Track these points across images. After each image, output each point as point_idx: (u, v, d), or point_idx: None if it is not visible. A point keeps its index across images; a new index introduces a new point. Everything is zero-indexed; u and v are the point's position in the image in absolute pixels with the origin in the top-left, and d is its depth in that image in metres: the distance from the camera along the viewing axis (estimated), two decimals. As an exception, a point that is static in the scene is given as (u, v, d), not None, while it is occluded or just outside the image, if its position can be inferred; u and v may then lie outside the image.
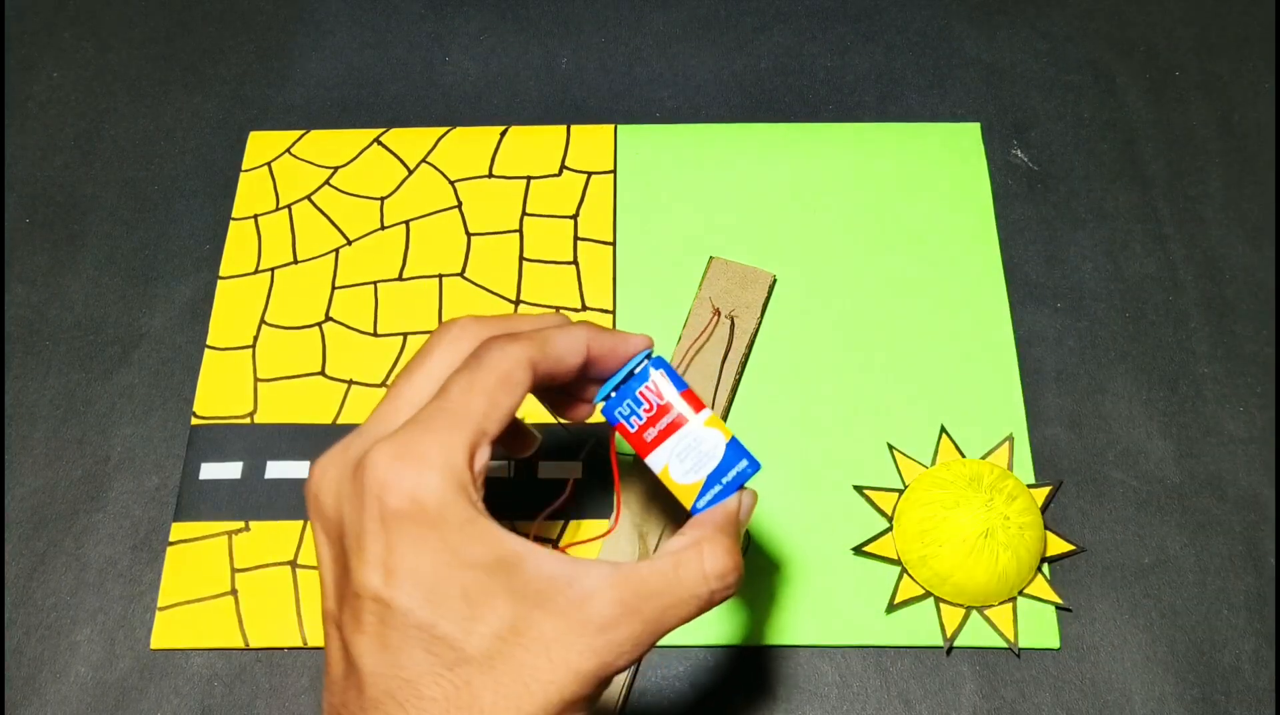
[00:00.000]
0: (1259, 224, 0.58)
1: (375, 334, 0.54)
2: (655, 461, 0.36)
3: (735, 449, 0.36)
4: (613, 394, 0.36)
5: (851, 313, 0.55)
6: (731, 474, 0.36)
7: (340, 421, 0.52)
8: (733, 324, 0.53)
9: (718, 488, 0.36)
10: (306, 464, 0.51)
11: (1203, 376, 0.54)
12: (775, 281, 0.55)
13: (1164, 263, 0.57)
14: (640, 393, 0.36)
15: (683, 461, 0.36)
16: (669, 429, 0.36)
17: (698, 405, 0.36)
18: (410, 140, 0.60)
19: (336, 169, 0.59)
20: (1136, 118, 0.61)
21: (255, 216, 0.58)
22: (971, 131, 0.60)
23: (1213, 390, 0.54)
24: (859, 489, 0.51)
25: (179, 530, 0.50)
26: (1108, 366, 0.54)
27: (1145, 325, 0.55)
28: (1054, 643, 0.47)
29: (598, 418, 0.38)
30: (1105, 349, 0.55)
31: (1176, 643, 0.48)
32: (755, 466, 0.36)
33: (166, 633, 0.48)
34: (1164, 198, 0.59)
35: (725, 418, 0.52)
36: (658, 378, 0.36)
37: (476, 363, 0.31)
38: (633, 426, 0.36)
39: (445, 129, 0.60)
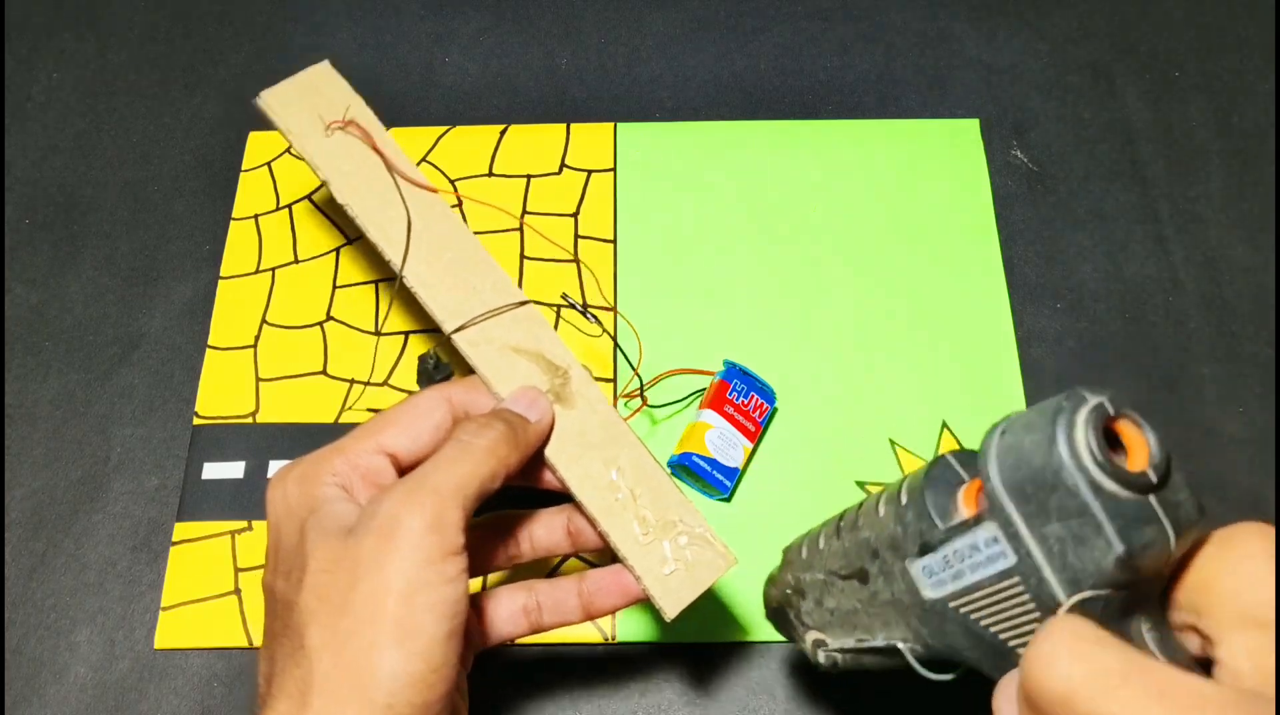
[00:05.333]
0: (1259, 224, 0.58)
1: (377, 333, 0.54)
2: (708, 417, 0.49)
3: (728, 474, 0.49)
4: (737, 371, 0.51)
5: (852, 309, 0.55)
6: (710, 476, 0.49)
7: (342, 421, 0.52)
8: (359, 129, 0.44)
9: (704, 468, 0.49)
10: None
11: (1202, 377, 0.54)
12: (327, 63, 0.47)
13: (1163, 263, 0.57)
14: (751, 393, 0.50)
15: (715, 440, 0.49)
16: (738, 424, 0.50)
17: (751, 436, 0.50)
18: (410, 139, 0.60)
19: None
20: (1136, 118, 0.61)
21: (255, 216, 0.58)
22: (970, 127, 0.60)
23: (1212, 391, 0.54)
24: (861, 484, 0.51)
25: (182, 530, 0.50)
26: (1108, 366, 0.54)
27: (1145, 325, 0.55)
28: None
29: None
30: (1105, 349, 0.55)
31: (1177, 642, 0.48)
32: (724, 491, 0.49)
33: (170, 632, 0.48)
34: (1164, 198, 0.59)
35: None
36: (760, 403, 0.51)
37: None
38: (731, 395, 0.50)
39: (445, 128, 0.60)
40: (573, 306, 0.45)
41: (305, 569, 0.33)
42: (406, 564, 0.32)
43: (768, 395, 0.51)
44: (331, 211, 0.58)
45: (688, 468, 0.49)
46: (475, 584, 0.46)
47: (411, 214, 0.42)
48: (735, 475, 0.49)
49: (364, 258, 0.57)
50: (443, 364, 0.41)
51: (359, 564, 0.32)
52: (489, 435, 0.36)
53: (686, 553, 0.38)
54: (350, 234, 0.57)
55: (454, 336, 0.40)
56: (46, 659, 0.48)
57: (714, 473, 0.49)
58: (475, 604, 0.39)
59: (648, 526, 0.38)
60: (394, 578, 0.32)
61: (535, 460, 0.39)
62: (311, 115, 0.44)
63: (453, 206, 0.44)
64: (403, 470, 0.36)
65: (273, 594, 0.34)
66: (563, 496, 0.40)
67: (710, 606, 0.48)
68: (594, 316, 0.45)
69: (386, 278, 0.56)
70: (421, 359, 0.42)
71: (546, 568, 0.49)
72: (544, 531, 0.40)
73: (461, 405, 0.38)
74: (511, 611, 0.40)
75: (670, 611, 0.37)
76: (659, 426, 0.52)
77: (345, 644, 0.31)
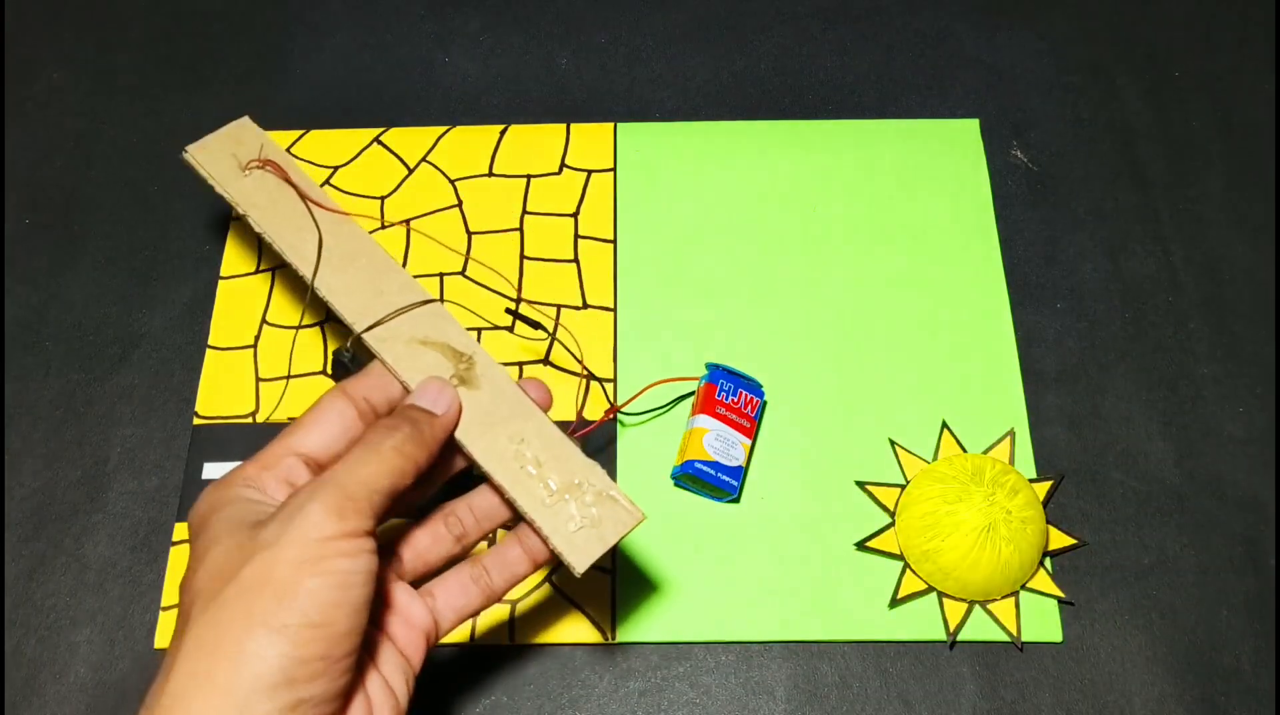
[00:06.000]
0: (1259, 224, 0.58)
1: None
2: (702, 422, 0.50)
3: (733, 474, 0.49)
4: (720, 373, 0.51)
5: (852, 309, 0.55)
6: (716, 479, 0.49)
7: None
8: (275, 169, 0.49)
9: (709, 472, 0.49)
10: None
11: (1203, 377, 0.54)
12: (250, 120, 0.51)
13: (1164, 263, 0.57)
14: (739, 390, 0.50)
15: (714, 442, 0.49)
16: (733, 423, 0.50)
17: (747, 432, 0.50)
18: (410, 139, 0.60)
19: (336, 169, 0.59)
20: (1136, 118, 0.61)
21: (255, 216, 0.58)
22: (970, 128, 0.60)
23: (1212, 391, 0.54)
24: (861, 484, 0.51)
25: (182, 530, 0.50)
26: (1108, 366, 0.54)
27: (1145, 325, 0.55)
28: (1056, 636, 0.48)
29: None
30: (1105, 349, 0.55)
31: (1176, 643, 0.48)
32: (732, 491, 0.49)
33: (170, 632, 0.48)
34: (1164, 198, 0.59)
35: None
36: (751, 397, 0.51)
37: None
38: (720, 396, 0.50)
39: (445, 128, 0.60)
40: (519, 317, 0.48)
41: (205, 555, 0.34)
42: (301, 540, 0.33)
43: (755, 389, 0.51)
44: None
45: (692, 476, 0.49)
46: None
47: (323, 233, 0.46)
48: (740, 474, 0.49)
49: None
50: (359, 357, 0.44)
51: (257, 545, 0.33)
52: (396, 436, 0.37)
53: (593, 511, 0.40)
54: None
55: (364, 335, 0.43)
56: (46, 659, 0.48)
57: (719, 475, 0.49)
58: (425, 590, 0.41)
59: (552, 491, 0.40)
60: (286, 550, 0.33)
61: (448, 448, 0.40)
62: (231, 160, 0.49)
63: (375, 231, 0.45)
64: (318, 469, 0.38)
65: (180, 592, 0.35)
66: None
67: (709, 606, 0.48)
68: (539, 324, 0.48)
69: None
70: (336, 353, 0.44)
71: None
72: (482, 499, 0.42)
73: (363, 396, 0.40)
74: (461, 584, 0.41)
75: (579, 567, 0.39)
76: (651, 440, 0.52)
77: (224, 607, 0.32)
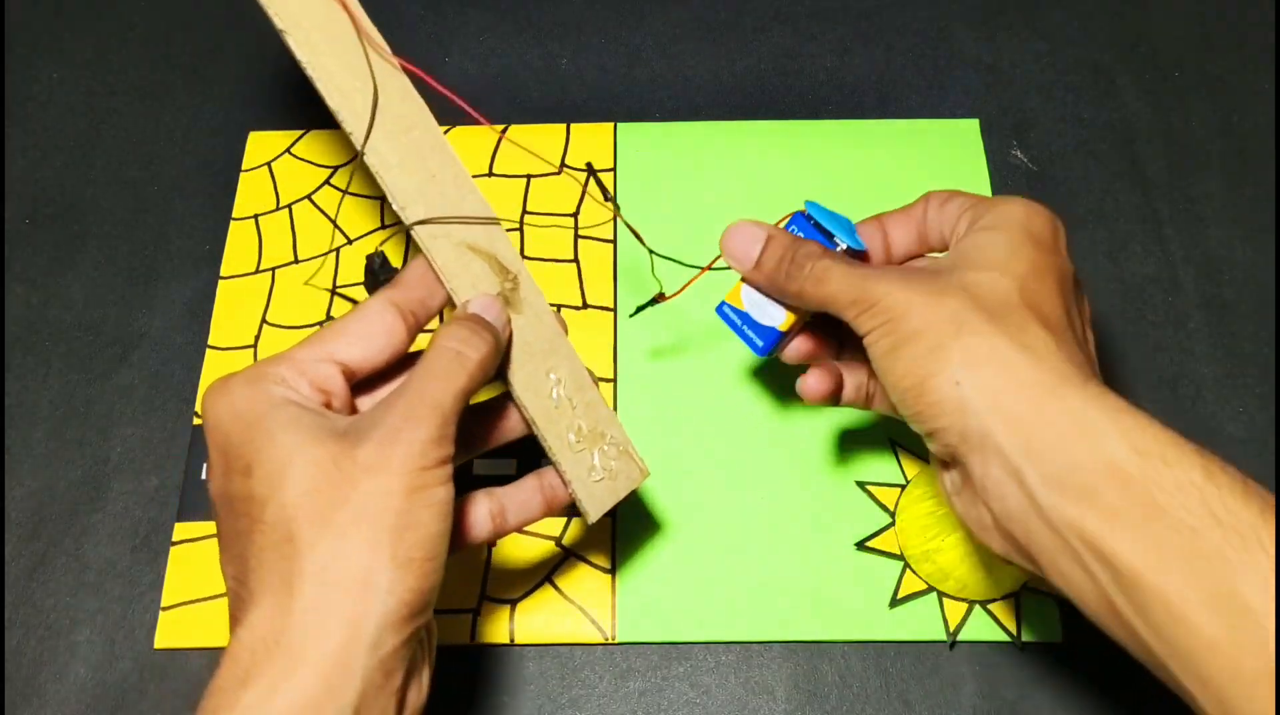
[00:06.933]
0: (1259, 224, 0.58)
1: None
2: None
3: (763, 333, 0.43)
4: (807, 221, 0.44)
5: (852, 313, 0.55)
6: (741, 332, 0.44)
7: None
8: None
9: (735, 322, 0.44)
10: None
11: (1202, 377, 0.54)
12: None
13: (1164, 263, 0.57)
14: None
15: (753, 296, 0.43)
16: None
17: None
18: (410, 140, 0.60)
19: (336, 169, 0.59)
20: (1136, 118, 0.61)
21: (255, 216, 0.58)
22: (970, 128, 0.60)
23: (1212, 390, 0.54)
24: (861, 484, 0.51)
25: (182, 530, 0.50)
26: (1108, 366, 0.54)
27: (1145, 325, 0.55)
28: (1056, 636, 0.48)
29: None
30: (1105, 349, 0.55)
31: (1177, 642, 0.48)
32: (757, 351, 0.44)
33: (170, 632, 0.48)
34: (1164, 198, 0.59)
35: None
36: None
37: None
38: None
39: (445, 128, 0.60)
40: (593, 175, 0.47)
41: (287, 463, 0.32)
42: (410, 468, 0.33)
43: (851, 235, 0.43)
44: (331, 212, 0.58)
45: (723, 321, 0.45)
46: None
47: (379, 88, 0.39)
48: (773, 336, 0.43)
49: (364, 258, 0.57)
50: (389, 265, 0.41)
51: (358, 466, 0.32)
52: (482, 348, 0.36)
53: (612, 463, 0.41)
54: (350, 235, 0.57)
55: (415, 230, 0.39)
56: (46, 659, 0.48)
57: (745, 328, 0.44)
58: None
59: (581, 436, 0.40)
60: (398, 479, 0.32)
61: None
62: None
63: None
64: (353, 380, 0.37)
65: (228, 495, 0.33)
66: None
67: (709, 606, 0.48)
68: (610, 196, 0.47)
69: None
70: (369, 258, 0.41)
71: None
72: (506, 423, 0.41)
73: (406, 305, 0.38)
74: (478, 517, 0.40)
75: (593, 515, 0.41)
76: (651, 433, 0.52)
77: (344, 534, 0.32)
